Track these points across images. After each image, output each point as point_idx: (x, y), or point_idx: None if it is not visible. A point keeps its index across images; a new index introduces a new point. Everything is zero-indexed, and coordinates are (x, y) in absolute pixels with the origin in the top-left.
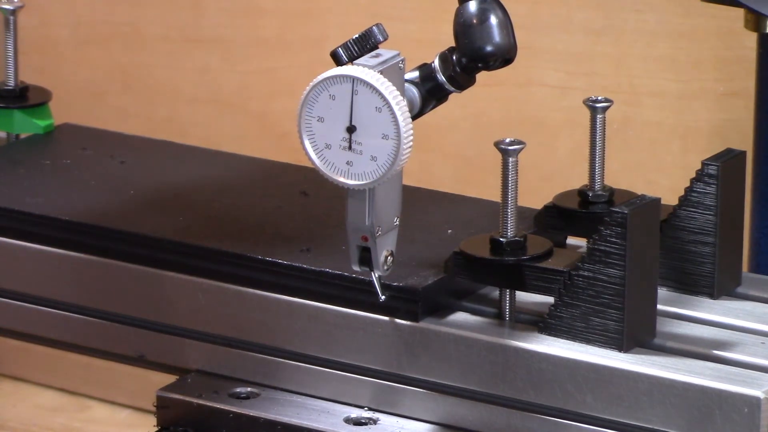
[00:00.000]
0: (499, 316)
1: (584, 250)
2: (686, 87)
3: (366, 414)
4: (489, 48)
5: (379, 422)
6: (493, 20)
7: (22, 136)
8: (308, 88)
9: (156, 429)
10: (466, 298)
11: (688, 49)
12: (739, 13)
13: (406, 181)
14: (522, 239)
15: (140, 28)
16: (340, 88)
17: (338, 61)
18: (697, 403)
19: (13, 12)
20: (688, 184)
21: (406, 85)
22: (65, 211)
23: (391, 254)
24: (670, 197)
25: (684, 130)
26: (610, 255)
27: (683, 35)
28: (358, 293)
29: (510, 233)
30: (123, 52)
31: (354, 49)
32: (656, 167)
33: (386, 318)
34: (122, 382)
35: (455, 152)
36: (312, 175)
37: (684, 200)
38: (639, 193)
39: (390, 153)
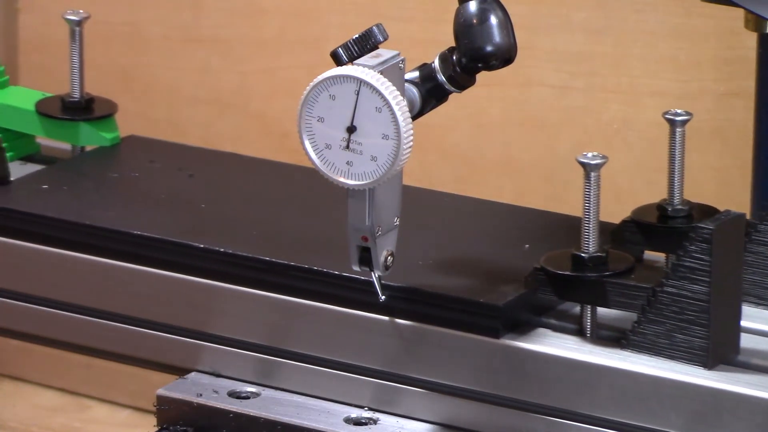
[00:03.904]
0: (580, 332)
1: (662, 264)
2: (686, 87)
3: (366, 414)
4: (489, 48)
5: (379, 422)
6: (493, 20)
7: (88, 148)
8: (308, 88)
9: (156, 429)
10: (545, 313)
11: (688, 49)
12: (739, 13)
13: (406, 181)
14: (604, 255)
15: (140, 28)
16: (340, 88)
17: (338, 61)
18: None
19: (79, 23)
20: (688, 184)
21: (406, 85)
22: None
23: (392, 254)
24: None
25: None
26: (695, 271)
27: (683, 35)
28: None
29: (592, 249)
30: (123, 52)
31: (354, 49)
32: (656, 167)
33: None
34: (122, 382)
35: (455, 152)
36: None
37: (767, 215)
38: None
39: (390, 153)
